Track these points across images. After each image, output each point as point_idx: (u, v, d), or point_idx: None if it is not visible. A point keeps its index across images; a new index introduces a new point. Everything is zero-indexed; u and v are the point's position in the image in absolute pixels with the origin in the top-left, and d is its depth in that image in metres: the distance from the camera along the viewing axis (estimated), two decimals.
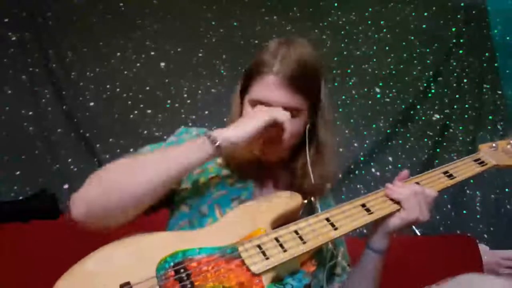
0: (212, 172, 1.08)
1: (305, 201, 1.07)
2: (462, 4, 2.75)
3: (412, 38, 2.69)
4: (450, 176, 1.12)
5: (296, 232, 0.93)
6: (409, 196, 1.02)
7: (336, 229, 0.96)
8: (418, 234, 2.38)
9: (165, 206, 1.10)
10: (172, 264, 0.83)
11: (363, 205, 1.03)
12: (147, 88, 2.37)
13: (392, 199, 1.04)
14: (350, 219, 0.99)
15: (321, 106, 1.10)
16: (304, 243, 0.91)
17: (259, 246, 0.89)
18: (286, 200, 1.03)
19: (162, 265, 0.83)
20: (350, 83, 2.58)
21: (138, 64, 2.39)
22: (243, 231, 0.93)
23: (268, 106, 1.00)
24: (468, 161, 1.18)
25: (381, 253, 1.05)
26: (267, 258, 0.87)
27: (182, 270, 0.82)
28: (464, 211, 2.49)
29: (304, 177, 1.09)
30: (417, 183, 1.08)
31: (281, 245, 0.90)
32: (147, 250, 0.86)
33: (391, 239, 1.05)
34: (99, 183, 0.92)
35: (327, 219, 0.98)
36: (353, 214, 1.00)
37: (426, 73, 2.66)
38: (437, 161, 2.55)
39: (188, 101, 2.40)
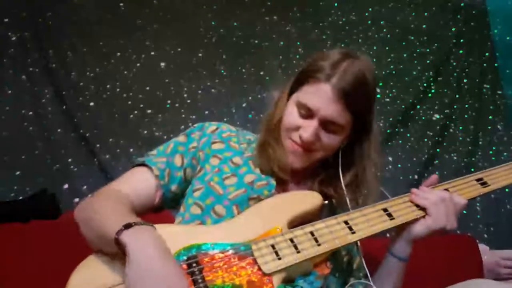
0: (227, 172, 1.05)
1: (326, 202, 1.04)
2: (462, 4, 2.74)
3: (412, 38, 2.68)
4: (484, 184, 1.07)
5: (311, 233, 0.92)
6: (436, 203, 0.98)
7: (354, 233, 0.94)
8: None
9: (171, 207, 1.10)
10: (185, 257, 0.84)
11: (385, 210, 0.99)
12: (147, 88, 2.37)
13: (417, 205, 1.01)
14: (369, 223, 0.96)
15: (368, 128, 1.06)
16: (319, 245, 0.90)
17: (272, 246, 0.89)
18: (306, 200, 1.01)
19: (176, 258, 0.83)
20: None
21: (138, 64, 2.39)
22: (260, 229, 0.93)
23: (314, 113, 0.98)
24: (506, 168, 1.11)
25: (403, 260, 1.02)
26: (279, 259, 0.87)
27: (194, 264, 0.83)
28: (464, 211, 2.48)
29: (337, 198, 1.06)
30: (447, 189, 1.04)
31: (295, 246, 0.89)
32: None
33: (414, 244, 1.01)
34: (84, 216, 0.95)
35: (346, 222, 0.95)
36: (374, 218, 0.97)
37: (426, 73, 2.65)
38: (437, 161, 2.55)
39: (188, 101, 2.40)
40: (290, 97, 1.05)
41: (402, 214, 0.99)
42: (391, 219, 0.98)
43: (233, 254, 0.86)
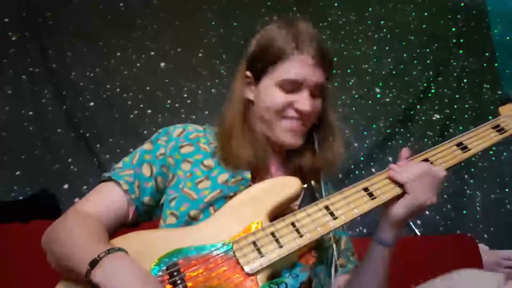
0: (200, 175, 1.01)
1: (305, 185, 1.01)
2: (462, 4, 2.75)
3: (412, 38, 2.69)
4: (465, 149, 1.01)
5: (293, 224, 0.89)
6: (413, 178, 0.92)
7: (335, 218, 0.90)
8: (418, 234, 2.38)
9: (146, 219, 1.05)
10: (165, 267, 0.82)
11: (366, 189, 0.95)
12: (147, 88, 2.37)
13: (395, 182, 0.95)
14: (350, 206, 0.92)
15: (328, 87, 1.08)
16: (301, 236, 0.87)
17: (254, 243, 0.86)
18: (284, 187, 0.97)
19: (157, 267, 0.81)
20: (350, 83, 2.58)
21: (138, 64, 2.40)
22: (240, 225, 0.90)
23: (301, 84, 1.00)
24: (486, 128, 1.05)
25: (388, 245, 0.96)
26: (262, 256, 0.84)
27: (176, 273, 0.81)
28: (464, 211, 2.49)
29: (309, 157, 1.05)
30: (426, 159, 0.99)
31: (277, 240, 0.86)
32: (143, 250, 0.84)
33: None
34: (49, 247, 0.94)
35: (327, 208, 0.92)
36: (355, 200, 0.93)
37: (426, 73, 2.66)
38: None
39: (188, 101, 2.40)
40: (257, 86, 1.05)
41: (384, 192, 0.94)
42: (372, 199, 0.93)
43: (215, 256, 0.84)
